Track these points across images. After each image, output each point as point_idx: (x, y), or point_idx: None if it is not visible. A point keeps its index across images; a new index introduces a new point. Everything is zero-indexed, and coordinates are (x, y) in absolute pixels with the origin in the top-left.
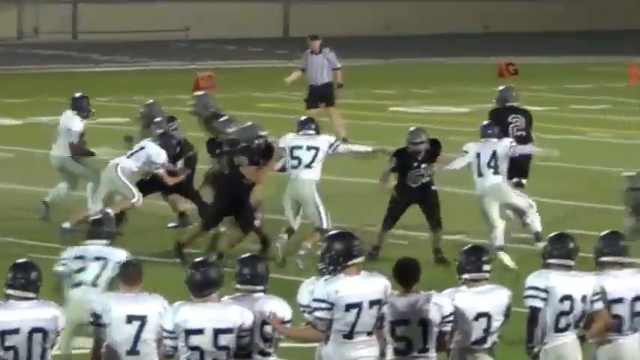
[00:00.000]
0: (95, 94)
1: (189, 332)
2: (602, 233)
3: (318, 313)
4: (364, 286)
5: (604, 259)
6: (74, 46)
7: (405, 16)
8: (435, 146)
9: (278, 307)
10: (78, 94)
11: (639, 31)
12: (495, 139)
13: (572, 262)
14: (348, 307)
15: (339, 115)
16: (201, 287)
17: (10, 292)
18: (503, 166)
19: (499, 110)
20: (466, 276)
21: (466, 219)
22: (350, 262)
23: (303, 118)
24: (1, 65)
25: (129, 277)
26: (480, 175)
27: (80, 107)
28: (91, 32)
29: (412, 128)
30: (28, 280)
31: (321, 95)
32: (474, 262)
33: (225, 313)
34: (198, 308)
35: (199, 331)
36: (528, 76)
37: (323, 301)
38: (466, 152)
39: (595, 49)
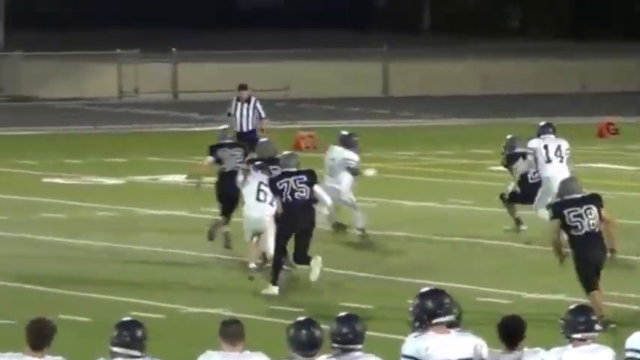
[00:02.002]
0: (193, 153)
1: None
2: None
3: None
4: (453, 344)
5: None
6: (174, 106)
7: (506, 75)
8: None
9: None
10: (345, 132)
11: None
12: None
13: None
14: None
15: None
16: (310, 347)
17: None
18: None
19: None
20: (577, 336)
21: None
22: (435, 321)
23: None
24: (102, 125)
25: (231, 335)
26: None
27: (350, 144)
28: (191, 92)
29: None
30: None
31: (246, 141)
32: (584, 322)
33: None
34: None
35: None
36: (630, 135)
37: (411, 357)
38: None
39: None
